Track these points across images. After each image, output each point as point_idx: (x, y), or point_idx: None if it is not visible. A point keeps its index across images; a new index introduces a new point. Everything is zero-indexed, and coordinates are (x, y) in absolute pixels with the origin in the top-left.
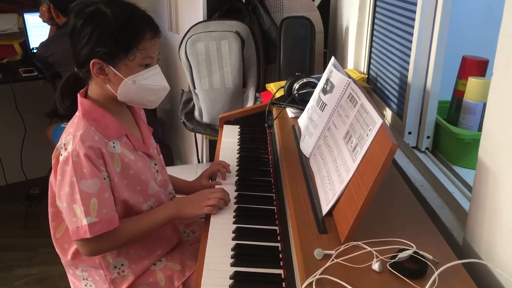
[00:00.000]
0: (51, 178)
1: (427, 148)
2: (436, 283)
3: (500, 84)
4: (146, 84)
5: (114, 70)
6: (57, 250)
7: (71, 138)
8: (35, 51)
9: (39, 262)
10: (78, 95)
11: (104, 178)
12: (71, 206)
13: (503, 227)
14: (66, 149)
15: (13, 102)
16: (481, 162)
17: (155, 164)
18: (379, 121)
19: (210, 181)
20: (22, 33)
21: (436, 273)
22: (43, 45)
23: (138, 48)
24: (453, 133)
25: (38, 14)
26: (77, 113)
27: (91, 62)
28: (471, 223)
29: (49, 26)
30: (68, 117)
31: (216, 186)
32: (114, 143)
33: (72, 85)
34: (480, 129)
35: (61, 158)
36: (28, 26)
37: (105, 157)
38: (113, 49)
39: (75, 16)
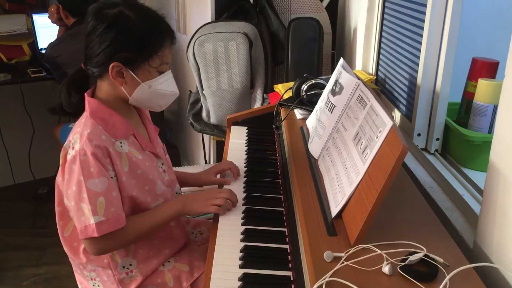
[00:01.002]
0: (58, 177)
1: (436, 150)
2: (447, 286)
3: None
4: (160, 89)
5: (133, 74)
6: (65, 249)
7: (78, 137)
8: (43, 51)
9: (47, 261)
10: (86, 94)
11: (112, 177)
12: (79, 205)
13: None
14: (73, 148)
15: (22, 103)
16: (492, 165)
17: (162, 164)
18: (389, 123)
19: (218, 176)
20: (30, 33)
21: (448, 277)
22: (51, 45)
23: (158, 55)
24: (463, 135)
25: (46, 14)
26: (84, 113)
27: (112, 65)
28: (482, 226)
29: (57, 27)
30: (73, 114)
31: (224, 187)
32: (121, 142)
33: (79, 81)
34: (490, 131)
35: (68, 157)
36: (36, 26)
37: (112, 156)
38: (136, 54)
39: (95, 17)
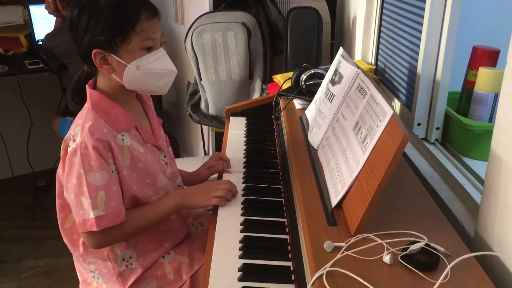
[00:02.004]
0: (59, 169)
1: (436, 140)
2: (449, 275)
3: None
4: (151, 69)
5: (116, 57)
6: (65, 240)
7: (79, 129)
8: (40, 43)
9: (46, 254)
10: (87, 86)
11: (112, 171)
12: (79, 198)
13: None
14: (74, 140)
15: (19, 94)
16: (493, 154)
17: (164, 156)
18: (389, 112)
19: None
20: (27, 25)
21: (449, 266)
22: (48, 37)
23: (135, 31)
24: (463, 124)
25: (43, 6)
26: (85, 105)
27: (93, 52)
28: (483, 215)
29: (54, 18)
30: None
31: (224, 178)
32: (123, 135)
33: (83, 83)
34: (491, 120)
35: (69, 149)
36: (33, 18)
37: (114, 150)
38: (110, 35)
39: (72, 8)
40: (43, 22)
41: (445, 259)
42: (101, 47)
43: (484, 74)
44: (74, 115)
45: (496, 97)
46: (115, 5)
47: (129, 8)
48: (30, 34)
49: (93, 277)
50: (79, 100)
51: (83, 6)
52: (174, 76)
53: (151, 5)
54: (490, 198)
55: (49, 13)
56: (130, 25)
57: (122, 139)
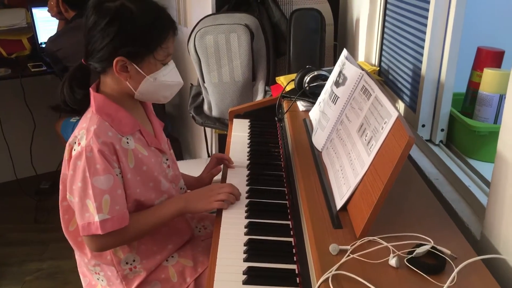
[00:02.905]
0: (63, 172)
1: (441, 141)
2: (455, 279)
3: None
4: (164, 81)
5: (137, 68)
6: (70, 243)
7: (84, 133)
8: (43, 45)
9: (50, 256)
10: (91, 89)
11: (117, 175)
12: (84, 201)
13: None
14: (79, 144)
15: (22, 97)
16: (500, 155)
17: (167, 159)
18: (394, 114)
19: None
20: (30, 28)
21: (457, 269)
22: (51, 39)
23: (162, 47)
24: (468, 126)
25: (46, 8)
26: (90, 108)
27: (116, 59)
28: (489, 217)
29: (57, 21)
30: (77, 110)
31: (227, 181)
32: (128, 138)
33: (81, 77)
34: (496, 121)
35: (73, 153)
36: (36, 20)
37: (119, 153)
38: (140, 48)
39: (96, 11)
40: (46, 25)
41: (451, 262)
42: (126, 56)
43: (489, 75)
44: (70, 112)
45: (501, 98)
46: (151, 20)
47: (161, 24)
48: (33, 37)
49: (98, 279)
50: (81, 96)
51: (115, 13)
52: (180, 87)
53: (175, 23)
54: (496, 200)
55: (52, 16)
56: (159, 41)
57: (127, 142)
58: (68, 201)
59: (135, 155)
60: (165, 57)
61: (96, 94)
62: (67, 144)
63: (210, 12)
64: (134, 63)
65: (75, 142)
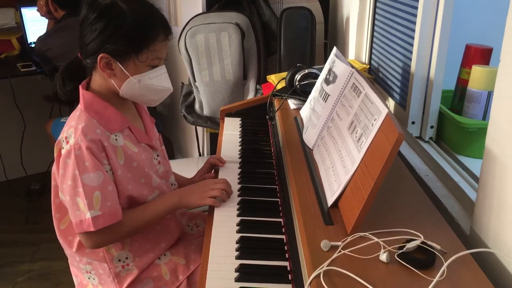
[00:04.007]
0: (54, 170)
1: (431, 138)
2: (445, 273)
3: (507, 71)
4: (150, 84)
5: (121, 67)
6: (61, 242)
7: (72, 131)
8: (33, 45)
9: (41, 257)
10: (80, 87)
11: (107, 171)
12: (74, 199)
13: None
14: (68, 142)
15: (12, 98)
16: (488, 151)
17: (157, 156)
18: (384, 111)
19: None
20: (19, 27)
21: (446, 263)
22: (41, 39)
23: (149, 49)
24: (457, 122)
25: (35, 8)
26: (79, 106)
27: (100, 56)
28: (478, 212)
29: (47, 20)
30: (67, 103)
31: (219, 178)
32: (116, 136)
33: (74, 70)
34: (484, 117)
35: (62, 151)
36: (25, 20)
37: (107, 150)
38: (125, 47)
39: (88, 6)
40: (35, 25)
41: (441, 257)
42: (110, 53)
43: (477, 72)
44: (62, 102)
45: (489, 94)
46: (140, 20)
47: (151, 27)
48: (22, 37)
49: (89, 278)
50: (71, 88)
51: (105, 10)
52: (169, 94)
53: (169, 28)
54: (485, 196)
55: (41, 15)
56: (146, 43)
57: (116, 139)
58: (59, 198)
59: (125, 152)
60: (152, 60)
61: (85, 92)
62: (56, 142)
63: (201, 11)
64: (118, 62)
65: (63, 140)
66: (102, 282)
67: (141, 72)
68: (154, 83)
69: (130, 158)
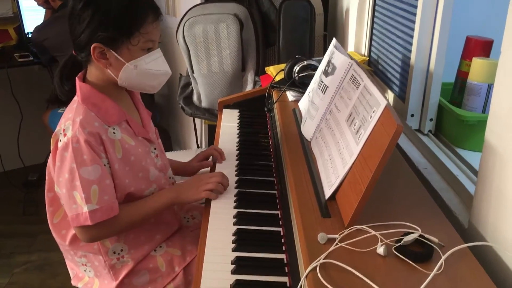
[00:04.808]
0: (49, 163)
1: (430, 131)
2: (443, 266)
3: (508, 64)
4: (147, 69)
5: (115, 54)
6: (54, 235)
7: (70, 123)
8: (30, 35)
9: (38, 248)
10: (77, 79)
11: (105, 165)
12: (71, 192)
13: (511, 209)
14: (65, 135)
15: (9, 88)
16: (488, 144)
17: (155, 149)
18: (383, 102)
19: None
20: (16, 17)
21: (444, 257)
22: (38, 29)
23: (140, 32)
24: (457, 115)
25: None
26: (75, 98)
27: (92, 46)
28: (477, 205)
29: (44, 10)
30: (68, 103)
31: (216, 170)
32: (114, 129)
33: (70, 68)
34: (484, 110)
35: (60, 144)
36: (22, 10)
37: (105, 143)
38: (115, 33)
39: None
40: (32, 14)
41: (439, 250)
42: (103, 42)
43: (477, 65)
44: (62, 103)
45: (489, 87)
46: (125, 3)
47: (138, 9)
48: (20, 27)
49: (85, 270)
50: (69, 87)
51: None
52: (168, 77)
53: (157, 8)
54: (484, 189)
55: (39, 5)
56: (136, 25)
57: (114, 133)
58: (53, 192)
59: (122, 146)
60: (145, 43)
61: (82, 84)
62: (53, 135)
63: (199, 2)
64: (112, 50)
65: (61, 133)
66: (97, 274)
67: (136, 57)
68: (151, 67)
69: (127, 151)
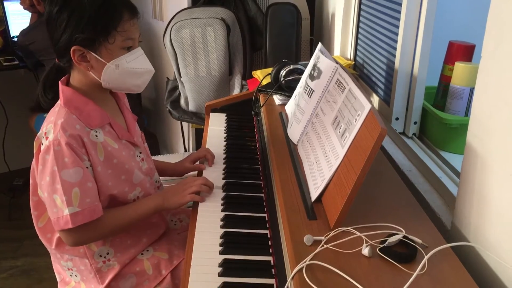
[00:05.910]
0: (33, 167)
1: (414, 134)
2: (426, 266)
3: (488, 68)
4: (129, 68)
5: (95, 55)
6: (41, 239)
7: (52, 126)
8: (16, 39)
9: (24, 253)
10: (60, 82)
11: (87, 167)
12: (52, 196)
13: (492, 210)
14: (47, 138)
15: None
16: (469, 146)
17: (140, 153)
18: (367, 106)
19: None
20: (2, 21)
21: (426, 257)
22: (24, 33)
23: (117, 30)
24: (440, 119)
25: (18, 1)
26: (58, 102)
27: (72, 49)
28: (459, 207)
29: (30, 14)
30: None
31: (204, 174)
32: (96, 132)
33: (54, 77)
34: (467, 114)
35: (42, 147)
36: (8, 14)
37: (87, 146)
38: (92, 34)
39: (49, 2)
40: (18, 18)
41: (422, 251)
42: (81, 44)
43: (460, 69)
44: (46, 111)
45: (471, 91)
46: (99, 3)
47: (112, 8)
48: (5, 31)
49: (71, 275)
50: (52, 95)
51: (65, 1)
52: (151, 75)
53: (132, 5)
54: (466, 191)
55: (24, 8)
56: (112, 24)
57: (96, 135)
58: (37, 196)
59: (105, 148)
60: (124, 42)
61: (65, 87)
62: (36, 138)
63: (186, 6)
64: (91, 51)
65: (43, 136)
66: (84, 278)
67: (116, 57)
68: (133, 65)
69: (110, 154)
